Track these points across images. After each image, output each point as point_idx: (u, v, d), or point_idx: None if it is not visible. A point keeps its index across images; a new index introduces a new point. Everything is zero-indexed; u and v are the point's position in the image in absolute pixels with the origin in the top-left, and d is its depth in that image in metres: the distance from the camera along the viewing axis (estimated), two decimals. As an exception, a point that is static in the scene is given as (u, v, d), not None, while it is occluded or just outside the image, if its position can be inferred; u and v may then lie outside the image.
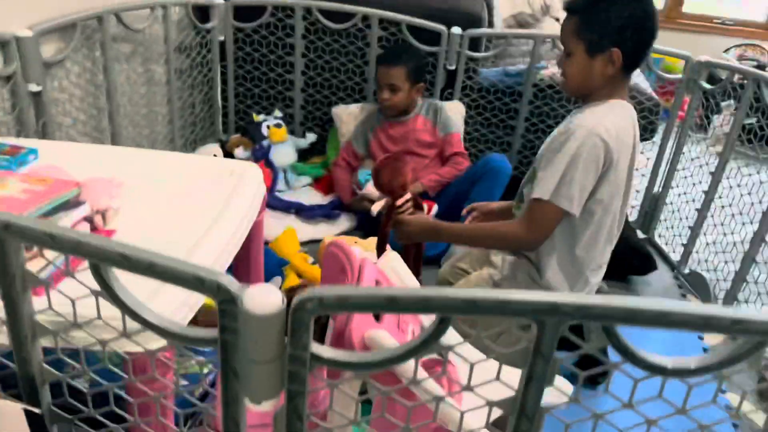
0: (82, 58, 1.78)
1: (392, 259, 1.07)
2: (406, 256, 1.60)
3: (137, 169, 1.30)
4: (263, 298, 0.63)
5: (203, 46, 2.30)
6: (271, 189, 2.30)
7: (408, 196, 1.60)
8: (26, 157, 1.25)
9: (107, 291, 0.66)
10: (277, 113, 2.48)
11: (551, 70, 2.31)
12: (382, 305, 0.63)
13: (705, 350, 1.82)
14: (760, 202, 1.87)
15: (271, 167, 2.33)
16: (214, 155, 2.32)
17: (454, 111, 2.34)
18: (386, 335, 0.84)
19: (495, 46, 2.38)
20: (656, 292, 2.10)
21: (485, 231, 1.50)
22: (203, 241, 1.07)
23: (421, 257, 1.67)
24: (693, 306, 0.62)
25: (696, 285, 2.14)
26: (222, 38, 2.35)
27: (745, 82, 1.96)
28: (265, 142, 2.38)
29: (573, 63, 1.41)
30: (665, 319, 0.63)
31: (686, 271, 2.21)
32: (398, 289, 0.62)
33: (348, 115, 2.38)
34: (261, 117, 2.44)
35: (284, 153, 2.41)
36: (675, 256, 2.29)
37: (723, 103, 2.14)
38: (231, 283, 0.63)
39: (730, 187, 2.02)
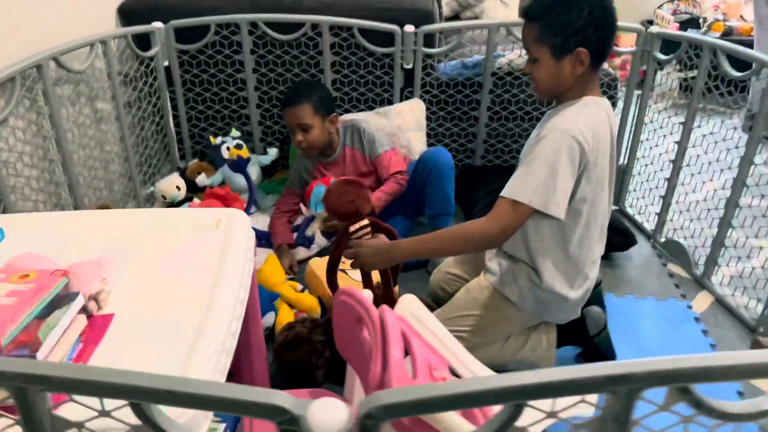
0: (24, 111, 1.66)
1: (409, 302, 1.03)
2: (366, 279, 1.56)
3: (116, 236, 1.22)
4: (328, 415, 0.58)
5: (148, 74, 2.18)
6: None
7: (364, 222, 1.48)
8: (-8, 240, 1.16)
9: (152, 427, 0.60)
10: (235, 132, 2.38)
11: (508, 57, 2.29)
12: (453, 403, 0.60)
13: (697, 319, 1.86)
14: (729, 167, 1.91)
15: (248, 181, 2.25)
16: (177, 186, 2.23)
17: (415, 110, 2.30)
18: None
19: (447, 36, 2.35)
20: (638, 266, 2.14)
21: (448, 235, 1.42)
22: (210, 313, 1.01)
23: (388, 278, 1.57)
24: (762, 354, 0.61)
25: (674, 252, 2.19)
26: (166, 63, 2.23)
27: (700, 51, 1.99)
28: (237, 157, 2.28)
29: (540, 68, 1.39)
30: (735, 371, 0.62)
31: (662, 239, 2.26)
32: (467, 385, 0.58)
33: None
34: (219, 139, 2.34)
35: (251, 173, 2.33)
36: (649, 225, 2.34)
37: (664, 57, 2.17)
38: (288, 401, 0.59)
39: (697, 156, 2.06)
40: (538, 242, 1.46)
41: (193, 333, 0.96)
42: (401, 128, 2.27)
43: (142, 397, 0.58)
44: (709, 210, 2.04)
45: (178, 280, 1.10)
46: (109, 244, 1.19)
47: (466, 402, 0.60)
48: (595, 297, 1.69)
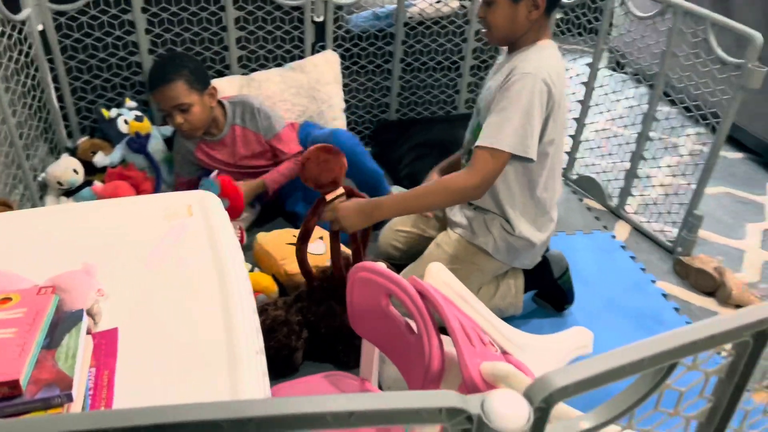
0: None
1: (439, 270, 0.99)
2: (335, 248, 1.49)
3: (77, 235, 1.04)
4: (508, 408, 0.54)
5: (23, 41, 1.85)
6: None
7: (340, 191, 1.43)
8: None
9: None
10: (130, 103, 2.13)
11: (419, 6, 2.25)
12: (622, 374, 0.58)
13: (623, 247, 2.01)
14: (639, 105, 2.05)
15: (151, 162, 2.02)
16: (74, 170, 1.95)
17: (331, 62, 2.19)
18: (513, 369, 0.79)
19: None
20: (559, 204, 2.22)
21: (430, 191, 1.40)
22: (230, 310, 0.90)
23: (358, 247, 1.52)
24: None
25: (587, 188, 2.32)
26: (41, 27, 1.91)
27: (603, -7, 2.09)
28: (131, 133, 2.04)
29: (496, 12, 1.38)
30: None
31: (574, 176, 2.39)
32: (633, 353, 0.57)
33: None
34: (113, 112, 2.07)
35: (154, 147, 2.10)
36: (559, 164, 2.46)
37: (567, 1, 2.26)
38: (458, 400, 0.53)
39: (606, 94, 2.18)
40: (505, 190, 1.48)
41: (223, 335, 0.86)
42: (320, 82, 2.16)
43: (305, 425, 0.50)
44: (620, 145, 2.18)
45: (174, 277, 0.97)
46: (72, 246, 1.01)
47: (632, 370, 0.59)
48: None
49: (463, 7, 2.28)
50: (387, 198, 1.45)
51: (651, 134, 2.03)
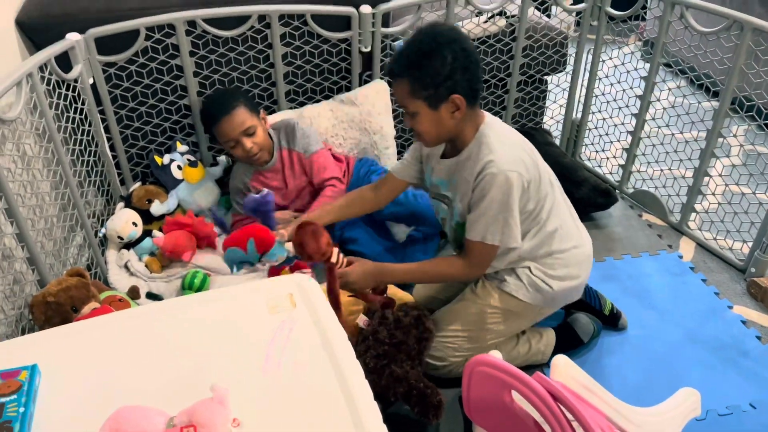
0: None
1: (566, 365, 0.97)
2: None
3: (181, 344, 1.02)
4: None
5: (76, 99, 1.82)
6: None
7: (335, 250, 1.47)
8: (32, 384, 0.93)
9: None
10: (181, 147, 2.10)
11: (467, 27, 2.19)
12: None
13: (692, 269, 1.98)
14: (703, 120, 1.99)
15: (212, 213, 2.01)
16: (133, 223, 1.93)
17: (381, 92, 2.15)
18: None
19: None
20: (620, 222, 2.21)
21: (432, 272, 1.53)
22: (364, 425, 0.88)
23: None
24: None
25: (646, 202, 2.28)
26: (91, 81, 1.88)
27: (661, 4, 2.02)
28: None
29: (421, 121, 1.40)
30: None
31: (630, 190, 2.34)
32: None
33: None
34: (166, 158, 2.05)
35: (209, 191, 2.09)
36: (612, 177, 2.41)
37: (618, 13, 2.19)
38: None
39: (663, 108, 2.13)
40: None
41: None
42: (372, 113, 2.12)
43: None
44: (681, 161, 2.13)
45: (294, 387, 0.95)
46: (181, 350, 1.00)
47: None
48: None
49: (510, 24, 2.22)
50: (391, 267, 1.54)
51: (715, 151, 1.98)
